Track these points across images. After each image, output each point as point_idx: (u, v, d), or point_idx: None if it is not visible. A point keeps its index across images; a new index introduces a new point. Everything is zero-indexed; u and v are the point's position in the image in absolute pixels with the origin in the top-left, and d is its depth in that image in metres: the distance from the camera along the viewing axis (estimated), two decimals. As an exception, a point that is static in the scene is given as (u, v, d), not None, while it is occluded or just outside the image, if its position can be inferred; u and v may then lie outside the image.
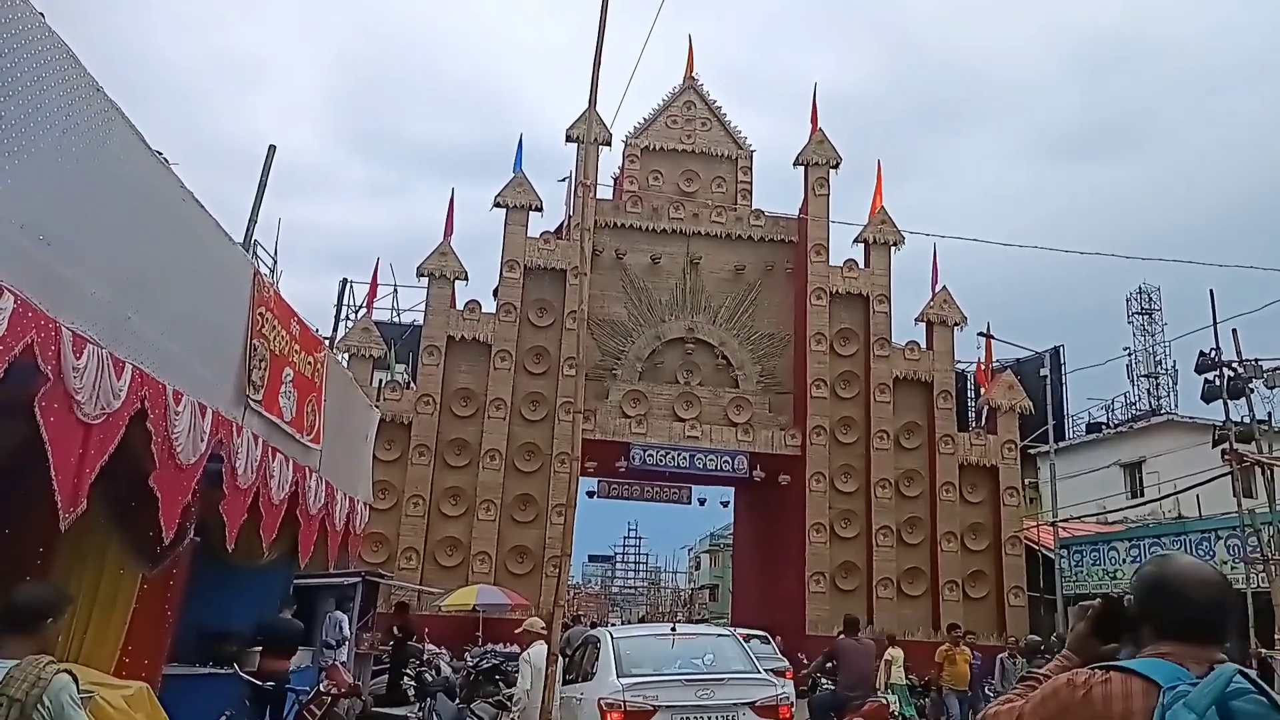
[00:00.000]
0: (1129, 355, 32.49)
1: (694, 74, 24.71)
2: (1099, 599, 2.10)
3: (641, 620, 47.19)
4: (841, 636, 10.36)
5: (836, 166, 23.76)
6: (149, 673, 5.39)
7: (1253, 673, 1.72)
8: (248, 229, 9.80)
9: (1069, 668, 1.97)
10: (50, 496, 3.85)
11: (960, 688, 13.21)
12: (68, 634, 5.02)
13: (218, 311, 5.48)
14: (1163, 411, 29.47)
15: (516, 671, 8.81)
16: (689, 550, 68.35)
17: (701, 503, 25.75)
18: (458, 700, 10.22)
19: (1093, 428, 31.06)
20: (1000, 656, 14.43)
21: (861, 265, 23.42)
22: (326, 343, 10.47)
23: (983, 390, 24.45)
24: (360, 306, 25.94)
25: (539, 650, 8.39)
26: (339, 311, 27.43)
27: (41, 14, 3.53)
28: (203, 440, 5.01)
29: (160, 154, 4.61)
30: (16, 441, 4.18)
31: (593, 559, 78.55)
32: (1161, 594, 1.86)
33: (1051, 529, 21.18)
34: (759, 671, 8.08)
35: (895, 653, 13.40)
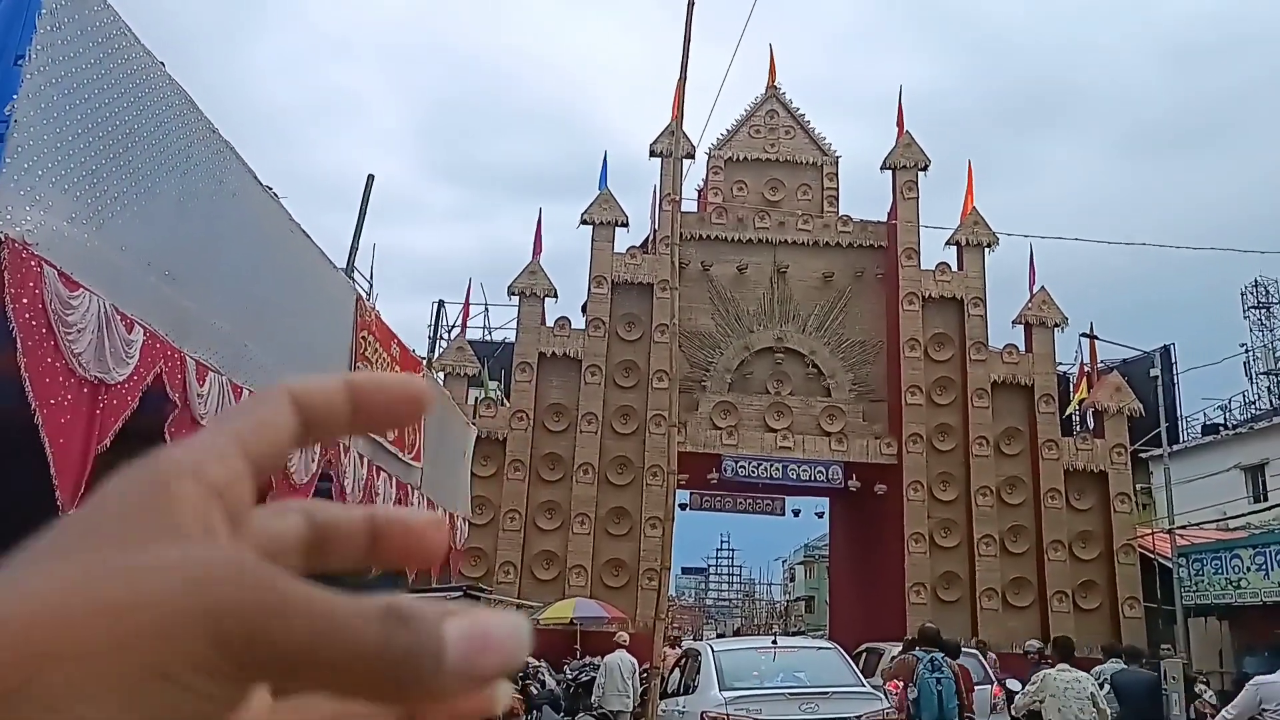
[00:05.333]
0: (1246, 352, 30.87)
1: (776, 83, 24.58)
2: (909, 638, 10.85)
3: (736, 633, 46.83)
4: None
5: (925, 169, 23.28)
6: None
7: (936, 654, 8.43)
8: (349, 257, 10.16)
9: (906, 659, 8.75)
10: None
11: None
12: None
13: (324, 336, 5.71)
14: (1286, 410, 27.85)
15: None
16: (783, 562, 67.56)
17: (795, 514, 25.46)
18: (562, 713, 10.33)
19: (1209, 429, 29.54)
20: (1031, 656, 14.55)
21: (954, 268, 22.86)
22: (424, 363, 10.78)
23: (1073, 395, 23.52)
24: (454, 326, 26.59)
25: (614, 655, 11.55)
26: (435, 332, 28.18)
27: (163, 64, 3.76)
28: (314, 461, 5.22)
29: (270, 189, 4.85)
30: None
31: (686, 571, 78.31)
32: (920, 633, 9.09)
33: (1168, 536, 20.20)
34: (864, 685, 7.94)
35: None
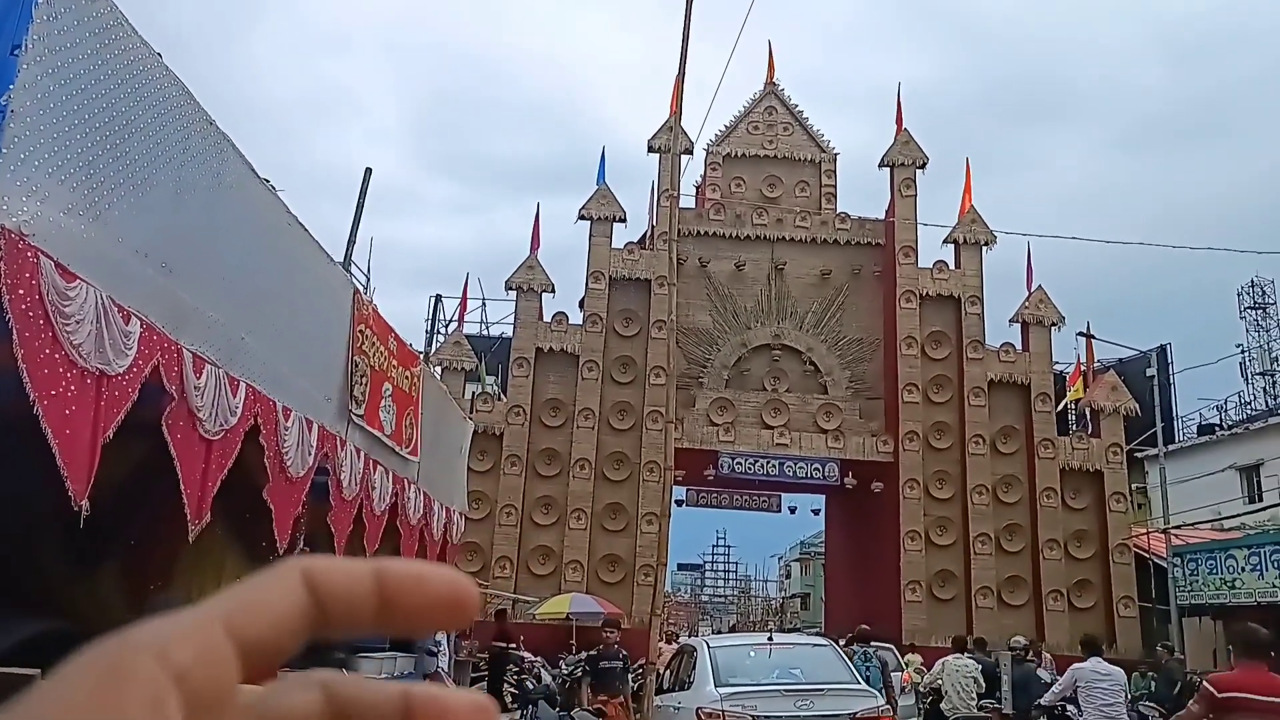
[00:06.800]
0: (1242, 352, 30.93)
1: (774, 79, 24.56)
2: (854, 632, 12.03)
3: (732, 630, 46.85)
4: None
5: (923, 167, 23.28)
6: (263, 678, 5.60)
7: (869, 648, 10.94)
8: (346, 250, 10.14)
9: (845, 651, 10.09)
10: (171, 510, 4.06)
11: None
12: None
13: (321, 330, 5.69)
14: (1281, 411, 27.91)
15: None
16: (779, 559, 67.67)
17: (792, 511, 25.48)
18: (558, 708, 10.33)
19: (1205, 429, 29.60)
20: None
21: (952, 266, 22.87)
22: (421, 357, 10.76)
23: (1068, 389, 23.55)
24: (451, 321, 26.55)
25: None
26: (431, 326, 28.13)
27: (159, 54, 3.74)
28: (310, 454, 5.20)
29: (267, 181, 4.83)
30: (141, 459, 4.41)
31: (682, 567, 78.45)
32: (857, 633, 11.51)
33: (1163, 536, 20.25)
34: (858, 682, 7.95)
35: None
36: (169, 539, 4.72)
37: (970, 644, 12.84)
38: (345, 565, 0.31)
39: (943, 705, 10.83)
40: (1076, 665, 8.74)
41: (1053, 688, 9.11)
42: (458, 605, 0.31)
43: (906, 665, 14.55)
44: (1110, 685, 8.11)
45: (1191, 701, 5.27)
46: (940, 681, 11.02)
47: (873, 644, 11.77)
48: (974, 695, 10.65)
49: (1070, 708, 8.87)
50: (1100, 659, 8.48)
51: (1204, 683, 5.19)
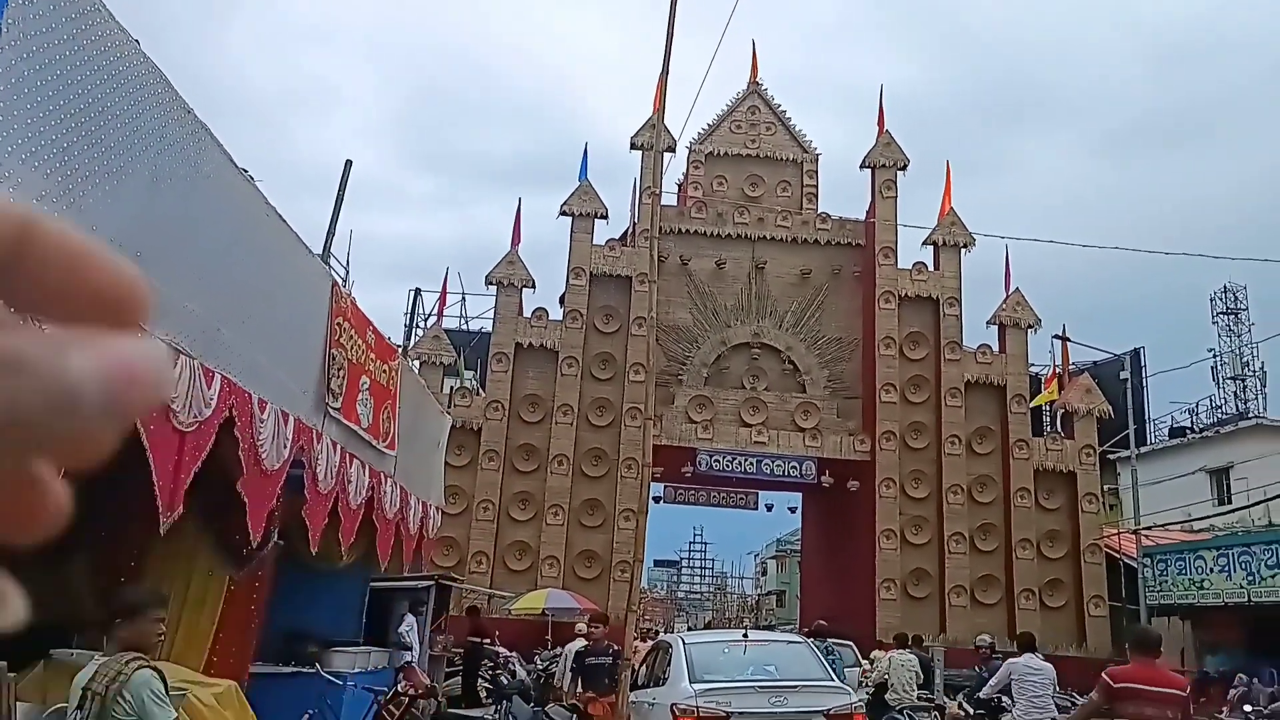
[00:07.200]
0: (1214, 357, 31.34)
1: (758, 79, 24.60)
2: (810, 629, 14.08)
3: (707, 626, 46.99)
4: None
5: (904, 168, 23.40)
6: (236, 671, 5.57)
7: (829, 641, 12.96)
8: (325, 242, 10.07)
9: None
10: (143, 503, 4.02)
11: None
12: (161, 634, 5.22)
13: (299, 322, 5.65)
14: (1251, 415, 28.31)
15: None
16: (755, 556, 67.85)
17: (769, 508, 25.59)
18: (532, 704, 10.32)
19: (1176, 432, 30.00)
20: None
21: (931, 268, 23.02)
22: (400, 351, 10.71)
23: (1044, 389, 23.80)
24: (430, 315, 26.44)
25: (572, 644, 11.54)
26: (411, 320, 28.00)
27: (137, 41, 3.70)
28: (286, 447, 5.17)
29: (246, 171, 4.78)
30: (113, 450, 4.35)
31: (658, 564, 78.37)
32: (814, 629, 13.64)
33: (1134, 537, 20.50)
34: (832, 679, 8.00)
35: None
36: (140, 531, 4.67)
37: (910, 641, 14.09)
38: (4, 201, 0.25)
39: (888, 696, 11.92)
40: (1011, 660, 9.25)
41: (989, 681, 9.62)
42: (120, 301, 0.26)
43: (872, 661, 15.04)
44: (1041, 680, 8.55)
45: (1093, 691, 5.81)
46: (887, 675, 12.15)
47: (829, 640, 12.88)
48: (914, 686, 11.97)
49: (1005, 699, 9.45)
50: (1034, 655, 8.99)
51: (1102, 674, 5.72)
